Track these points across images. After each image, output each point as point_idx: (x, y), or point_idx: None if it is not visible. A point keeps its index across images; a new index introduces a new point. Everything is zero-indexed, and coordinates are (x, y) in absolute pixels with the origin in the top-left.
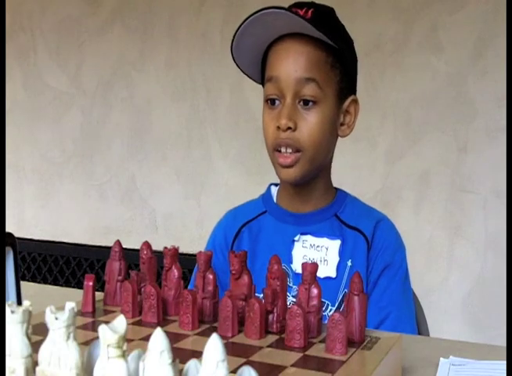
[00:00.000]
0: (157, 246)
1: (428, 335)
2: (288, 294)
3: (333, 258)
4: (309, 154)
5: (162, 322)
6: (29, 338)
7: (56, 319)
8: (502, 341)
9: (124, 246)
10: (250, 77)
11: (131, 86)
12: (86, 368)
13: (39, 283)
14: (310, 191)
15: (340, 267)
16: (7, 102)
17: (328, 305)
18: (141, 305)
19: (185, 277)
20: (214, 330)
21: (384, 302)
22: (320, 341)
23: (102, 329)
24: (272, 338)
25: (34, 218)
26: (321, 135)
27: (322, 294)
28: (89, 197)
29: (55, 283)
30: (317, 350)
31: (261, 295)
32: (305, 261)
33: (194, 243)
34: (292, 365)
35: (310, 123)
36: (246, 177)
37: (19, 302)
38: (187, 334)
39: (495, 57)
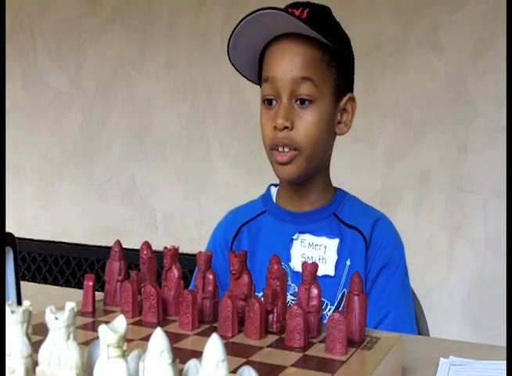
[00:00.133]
0: (157, 246)
1: (428, 335)
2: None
3: (332, 256)
4: (306, 153)
5: (162, 322)
6: (29, 338)
7: (56, 319)
8: (502, 341)
9: (124, 246)
10: (247, 78)
11: (131, 86)
12: (86, 368)
13: (39, 283)
14: (308, 189)
15: (338, 266)
16: (7, 102)
17: (327, 304)
18: (141, 305)
19: (185, 277)
20: (214, 330)
21: (383, 301)
22: (320, 341)
23: (102, 329)
24: (272, 338)
25: (34, 218)
26: (318, 133)
27: (321, 293)
28: (89, 197)
29: (55, 283)
30: (317, 350)
31: (261, 294)
32: (304, 259)
33: (194, 243)
34: (292, 365)
35: (307, 122)
36: (246, 177)
37: (19, 302)
38: (187, 334)
39: (495, 57)
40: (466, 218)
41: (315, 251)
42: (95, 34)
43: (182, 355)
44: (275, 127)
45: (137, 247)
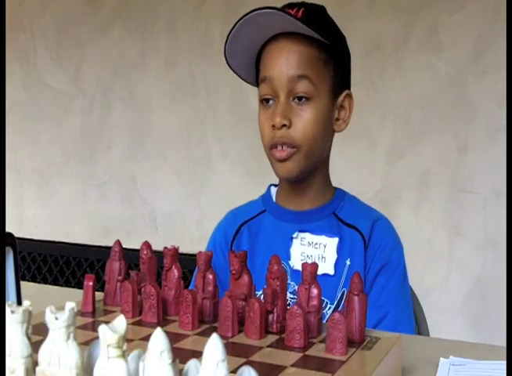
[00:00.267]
0: (157, 246)
1: (428, 335)
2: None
3: (331, 255)
4: (305, 150)
5: (162, 322)
6: (29, 338)
7: (56, 319)
8: (502, 341)
9: (124, 246)
10: (244, 80)
11: (131, 86)
12: (86, 368)
13: (39, 283)
14: (307, 188)
15: (338, 265)
16: (7, 102)
17: (327, 303)
18: (141, 305)
19: (185, 277)
20: (214, 330)
21: (382, 301)
22: (320, 341)
23: (102, 329)
24: (272, 338)
25: (34, 218)
26: (316, 130)
27: (321, 293)
28: (89, 197)
29: (55, 283)
30: (317, 350)
31: (260, 292)
32: (303, 258)
33: (194, 243)
34: (292, 365)
35: (304, 119)
36: (246, 177)
37: (19, 302)
38: (187, 334)
39: (495, 57)
40: (466, 218)
41: (315, 250)
42: (95, 34)
43: (182, 355)
44: (273, 126)
45: (137, 247)
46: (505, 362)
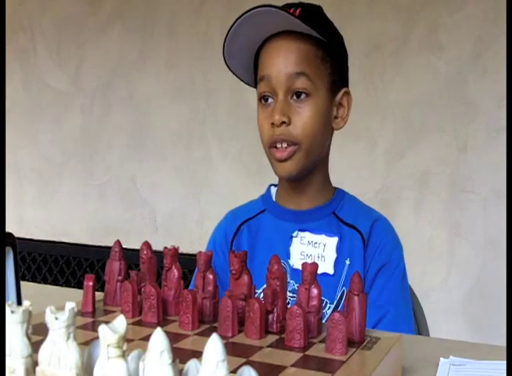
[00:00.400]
0: (157, 246)
1: (428, 335)
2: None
3: (331, 254)
4: (305, 147)
5: (162, 322)
6: (29, 338)
7: (56, 319)
8: (502, 341)
9: (124, 246)
10: (242, 80)
11: (131, 86)
12: (86, 368)
13: (39, 283)
14: (307, 187)
15: (338, 264)
16: (7, 102)
17: (327, 302)
18: (141, 305)
19: (185, 277)
20: (214, 330)
21: (382, 301)
22: (320, 341)
23: (102, 329)
24: (272, 338)
25: (34, 218)
26: (315, 127)
27: (321, 293)
28: (89, 197)
29: (55, 283)
30: (317, 350)
31: (260, 291)
32: (303, 257)
33: (194, 243)
34: (292, 365)
35: (303, 116)
36: (246, 177)
37: (19, 302)
38: (187, 334)
39: (495, 57)
40: (466, 218)
41: (315, 249)
42: (95, 34)
43: (182, 355)
44: (272, 124)
45: (137, 247)
46: (505, 362)
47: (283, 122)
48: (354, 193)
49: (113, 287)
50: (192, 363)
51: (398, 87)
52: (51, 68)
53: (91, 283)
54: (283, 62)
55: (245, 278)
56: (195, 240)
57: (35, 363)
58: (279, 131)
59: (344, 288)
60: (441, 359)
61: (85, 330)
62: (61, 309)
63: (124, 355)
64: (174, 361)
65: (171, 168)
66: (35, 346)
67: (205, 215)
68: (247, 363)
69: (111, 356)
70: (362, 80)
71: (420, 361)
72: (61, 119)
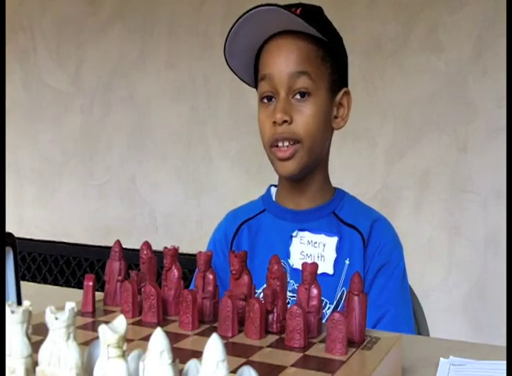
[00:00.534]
0: (157, 246)
1: (428, 335)
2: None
3: (330, 254)
4: (307, 145)
5: (162, 322)
6: (29, 338)
7: (56, 319)
8: (502, 341)
9: (124, 246)
10: (243, 80)
11: (131, 86)
12: (86, 368)
13: (39, 283)
14: (307, 186)
15: (337, 264)
16: (7, 102)
17: (326, 302)
18: (141, 305)
19: (185, 277)
20: (214, 330)
21: (382, 301)
22: (320, 341)
23: (102, 329)
24: (272, 338)
25: (34, 218)
26: (316, 126)
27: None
28: (89, 197)
29: (55, 283)
30: (317, 350)
31: (260, 291)
32: (303, 257)
33: (194, 243)
34: (292, 365)
35: (305, 115)
36: (246, 177)
37: (19, 302)
38: (187, 334)
39: (495, 57)
40: (466, 218)
41: (314, 249)
42: (95, 34)
43: (182, 355)
44: (274, 122)
45: (137, 247)
46: (505, 362)
47: (285, 121)
48: (354, 193)
49: (113, 287)
50: (192, 363)
51: (398, 87)
52: (51, 68)
53: (91, 283)
54: (285, 61)
55: (245, 278)
56: (195, 240)
57: (35, 363)
58: (281, 129)
59: (343, 288)
60: (441, 359)
61: (85, 330)
62: (61, 309)
63: (124, 355)
64: (174, 361)
65: (171, 168)
66: (35, 346)
67: (205, 215)
68: (247, 363)
69: (111, 356)
70: (362, 80)
71: (420, 361)
72: (61, 119)
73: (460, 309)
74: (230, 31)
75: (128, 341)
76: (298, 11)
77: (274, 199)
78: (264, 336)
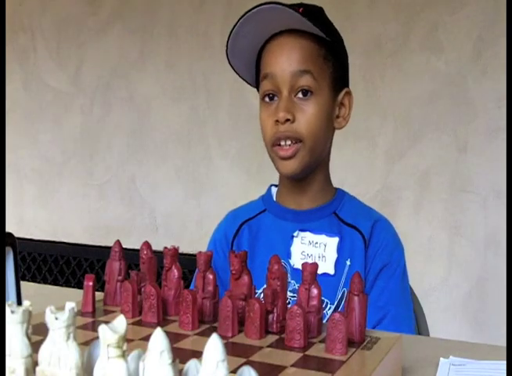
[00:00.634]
0: (157, 246)
1: (428, 335)
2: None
3: (331, 254)
4: (309, 144)
5: (162, 322)
6: (29, 338)
7: (56, 319)
8: (503, 341)
9: (124, 246)
10: (244, 80)
11: (131, 86)
12: (86, 368)
13: (39, 283)
14: (308, 186)
15: (338, 265)
16: (7, 102)
17: (327, 303)
18: (141, 305)
19: (185, 277)
20: (214, 330)
21: (382, 302)
22: (320, 341)
23: (102, 329)
24: (272, 338)
25: (34, 218)
26: (318, 125)
27: (321, 293)
28: (89, 197)
29: (55, 283)
30: (317, 350)
31: (260, 291)
32: (303, 257)
33: (194, 243)
34: (292, 365)
35: (307, 114)
36: (246, 177)
37: (19, 302)
38: (187, 334)
39: (495, 57)
40: (466, 218)
41: (315, 249)
42: (95, 34)
43: (182, 355)
44: (276, 121)
45: (137, 247)
46: (505, 362)
47: (288, 119)
48: (354, 193)
49: (113, 287)
50: (192, 363)
51: (398, 87)
52: (51, 68)
53: (91, 283)
54: (287, 60)
55: (245, 278)
56: (195, 240)
57: (35, 363)
58: (284, 128)
59: (344, 289)
60: (441, 359)
61: (85, 330)
62: (61, 309)
63: (124, 355)
64: (174, 361)
65: (171, 168)
66: (35, 346)
67: (205, 215)
68: (247, 363)
69: (111, 356)
70: (362, 80)
71: (420, 361)
72: (61, 119)
73: (460, 309)
74: (232, 30)
75: (128, 341)
76: (300, 10)
77: (275, 199)
78: (264, 336)
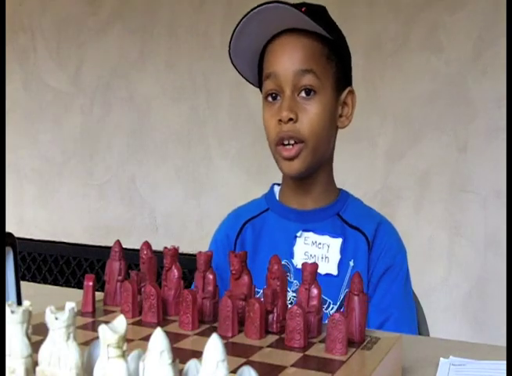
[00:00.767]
0: (157, 246)
1: (428, 335)
2: (288, 289)
3: (335, 255)
4: (311, 145)
5: (162, 322)
6: (29, 338)
7: (56, 319)
8: (503, 341)
9: (124, 246)
10: (247, 80)
11: (131, 86)
12: (86, 368)
13: (39, 283)
14: (312, 186)
15: (341, 266)
16: (7, 102)
17: (330, 303)
18: (141, 305)
19: (185, 277)
20: (214, 330)
21: (385, 305)
22: (320, 341)
23: (102, 329)
24: (272, 338)
25: (34, 218)
26: (321, 125)
27: (324, 291)
28: (89, 197)
29: (55, 283)
30: (317, 350)
31: (261, 290)
32: (307, 257)
33: (194, 243)
34: (292, 365)
35: (310, 113)
36: (246, 177)
37: (19, 302)
38: (187, 334)
39: (495, 57)
40: (466, 218)
41: (319, 250)
42: (95, 34)
43: (182, 355)
44: (279, 120)
45: (137, 247)
46: (505, 362)
47: (291, 119)
48: (354, 193)
49: (113, 287)
50: (192, 363)
51: (398, 87)
52: (51, 68)
53: (91, 283)
54: (290, 59)
55: (245, 278)
56: (195, 240)
57: (35, 363)
58: (287, 127)
59: (347, 290)
60: (441, 359)
61: (85, 330)
62: (61, 309)
63: (124, 355)
64: (174, 361)
65: (171, 168)
66: (35, 346)
67: (205, 215)
68: (247, 363)
69: (111, 356)
70: (362, 80)
71: (420, 361)
72: (61, 119)
73: (460, 309)
74: (235, 30)
75: (128, 341)
76: (303, 9)
77: (277, 198)
78: (264, 336)
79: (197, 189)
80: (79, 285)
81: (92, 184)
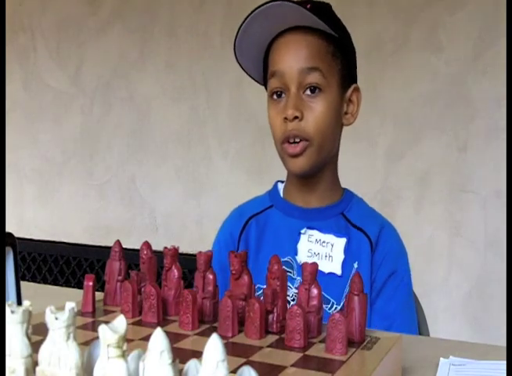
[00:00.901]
0: (157, 246)
1: (428, 335)
2: (291, 286)
3: (338, 255)
4: (317, 143)
5: (162, 322)
6: (29, 338)
7: (56, 319)
8: (503, 341)
9: (124, 246)
10: (252, 77)
11: (131, 86)
12: (86, 368)
13: (39, 283)
14: (317, 184)
15: (345, 266)
16: (7, 102)
17: (333, 303)
18: (141, 305)
19: (185, 277)
20: (214, 330)
21: (390, 311)
22: (320, 341)
23: (102, 329)
24: (272, 338)
25: (34, 218)
26: (327, 123)
27: (327, 291)
28: (89, 197)
29: (55, 283)
30: (317, 350)
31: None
32: (310, 255)
33: (194, 243)
34: (292, 365)
35: (316, 111)
36: (246, 177)
37: (19, 302)
38: (187, 334)
39: (495, 57)
40: (466, 218)
41: (322, 248)
42: (95, 34)
43: (182, 355)
44: (285, 118)
45: (137, 247)
46: (505, 362)
47: (296, 117)
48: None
49: (113, 287)
50: (192, 363)
51: (398, 87)
52: (51, 68)
53: (91, 283)
54: (295, 57)
55: (245, 278)
56: (195, 240)
57: (35, 363)
58: (292, 126)
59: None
60: (441, 359)
61: (85, 330)
62: (61, 309)
63: (124, 355)
64: (174, 361)
65: (171, 168)
66: (35, 346)
67: (205, 215)
68: (247, 363)
69: (111, 356)
70: (362, 80)
71: (420, 361)
72: (61, 119)
73: (460, 309)
74: (240, 28)
75: (128, 341)
76: (308, 7)
77: (282, 195)
78: (264, 336)
79: (197, 189)
80: (79, 285)
81: (92, 184)
